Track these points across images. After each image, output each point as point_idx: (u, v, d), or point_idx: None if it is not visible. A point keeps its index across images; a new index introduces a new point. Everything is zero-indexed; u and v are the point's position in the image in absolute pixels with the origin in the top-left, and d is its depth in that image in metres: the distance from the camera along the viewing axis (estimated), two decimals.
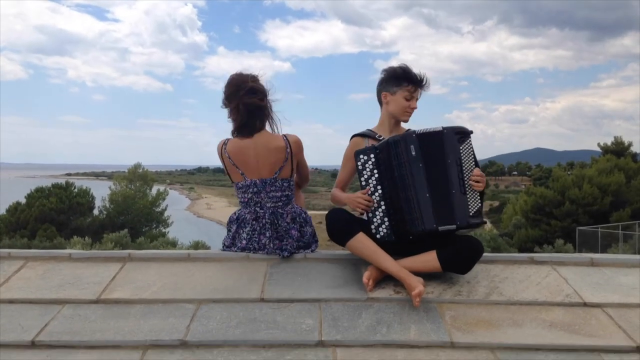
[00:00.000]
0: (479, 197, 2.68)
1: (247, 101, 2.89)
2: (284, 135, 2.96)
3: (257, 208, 2.93)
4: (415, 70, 2.98)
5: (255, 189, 2.91)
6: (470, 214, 2.64)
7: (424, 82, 2.98)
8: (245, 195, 2.94)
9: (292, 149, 2.93)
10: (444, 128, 2.68)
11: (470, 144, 2.71)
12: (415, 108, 3.01)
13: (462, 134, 2.70)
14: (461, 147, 2.68)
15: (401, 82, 2.96)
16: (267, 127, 2.99)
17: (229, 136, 2.97)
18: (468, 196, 2.65)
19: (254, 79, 2.96)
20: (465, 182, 2.65)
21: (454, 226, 2.62)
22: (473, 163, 2.70)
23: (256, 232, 2.93)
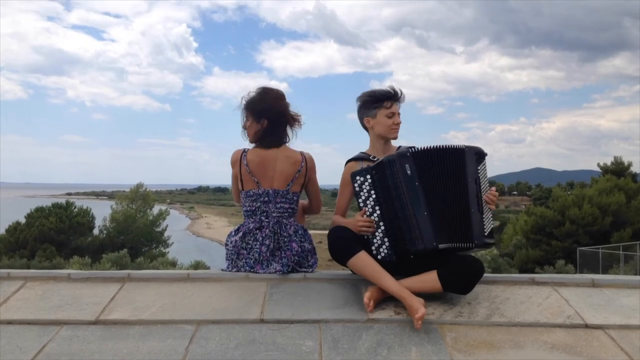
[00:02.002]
0: (492, 218, 2.71)
1: (290, 113, 3.06)
2: (301, 152, 3.08)
3: (262, 217, 2.98)
4: (386, 87, 3.07)
5: (265, 199, 2.97)
6: (485, 233, 2.66)
7: (399, 95, 3.06)
8: (254, 203, 2.99)
9: (307, 165, 3.05)
10: (465, 147, 2.73)
11: (485, 166, 2.77)
12: (400, 122, 3.05)
13: (480, 155, 2.76)
14: (479, 167, 2.73)
15: (376, 103, 3.04)
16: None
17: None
18: (484, 216, 2.67)
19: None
20: (482, 201, 2.68)
21: (462, 244, 2.63)
22: (488, 184, 2.75)
23: (257, 243, 2.95)
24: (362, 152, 3.12)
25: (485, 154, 2.78)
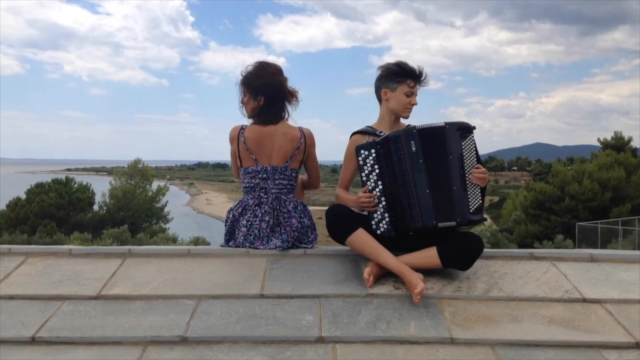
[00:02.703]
0: (479, 194, 2.68)
1: (287, 89, 3.02)
2: (300, 128, 3.05)
3: (261, 193, 2.98)
4: (413, 65, 2.98)
5: (264, 175, 2.97)
6: (471, 210, 2.64)
7: (423, 77, 2.99)
8: (253, 180, 2.99)
9: (306, 141, 3.03)
10: (446, 123, 2.67)
11: (473, 140, 2.70)
12: (416, 104, 3.00)
13: (465, 130, 2.69)
14: (463, 143, 2.67)
15: (401, 78, 2.96)
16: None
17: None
18: (469, 193, 2.65)
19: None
20: (467, 178, 2.65)
21: (453, 222, 2.62)
22: (475, 159, 2.69)
23: (257, 219, 2.95)
24: (368, 126, 3.07)
25: (473, 128, 2.69)
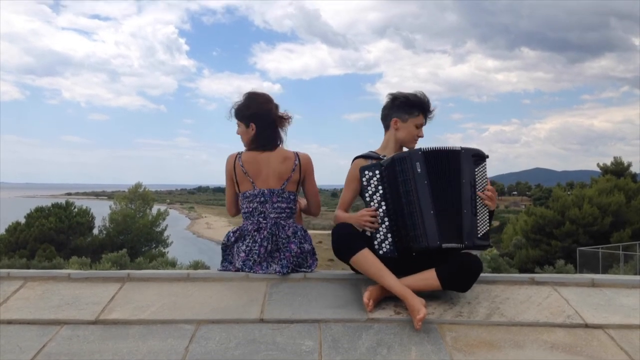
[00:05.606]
0: (488, 220, 2.71)
1: (278, 115, 3.07)
2: (296, 152, 3.08)
3: (260, 218, 2.98)
4: (426, 97, 3.05)
5: (262, 199, 2.98)
6: (479, 235, 2.65)
7: (432, 114, 3.08)
8: (251, 204, 3.00)
9: (301, 163, 3.04)
10: (462, 148, 2.72)
11: (485, 168, 2.75)
12: (422, 137, 3.07)
13: (479, 157, 2.74)
14: (476, 170, 2.72)
15: (414, 110, 3.03)
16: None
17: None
18: (478, 218, 2.67)
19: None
20: (478, 203, 2.68)
21: (459, 245, 2.63)
22: (486, 186, 2.73)
23: (256, 244, 2.95)
24: (371, 151, 3.10)
25: (485, 156, 2.76)
